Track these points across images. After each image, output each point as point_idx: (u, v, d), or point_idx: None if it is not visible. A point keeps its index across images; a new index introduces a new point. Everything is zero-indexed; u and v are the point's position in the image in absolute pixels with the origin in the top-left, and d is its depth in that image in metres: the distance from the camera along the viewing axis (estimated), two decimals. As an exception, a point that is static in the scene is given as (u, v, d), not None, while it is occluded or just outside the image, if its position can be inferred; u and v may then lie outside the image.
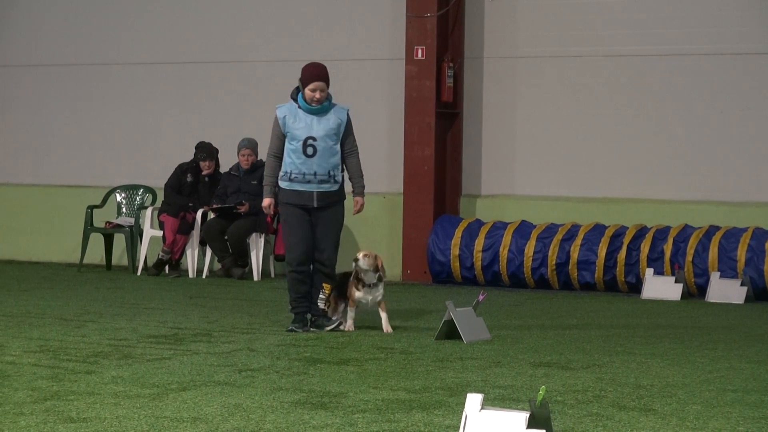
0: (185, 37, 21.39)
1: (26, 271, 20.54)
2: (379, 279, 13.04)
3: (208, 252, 19.60)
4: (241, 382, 10.08)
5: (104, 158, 22.01)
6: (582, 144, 19.23)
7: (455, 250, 18.53)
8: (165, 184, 20.07)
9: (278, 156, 13.18)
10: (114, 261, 20.94)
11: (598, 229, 18.14)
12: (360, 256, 12.94)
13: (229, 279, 19.10)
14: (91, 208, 20.77)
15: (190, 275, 19.61)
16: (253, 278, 19.03)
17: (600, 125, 19.11)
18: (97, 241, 20.87)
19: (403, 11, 19.42)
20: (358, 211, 13.44)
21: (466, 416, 7.25)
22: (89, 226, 20.66)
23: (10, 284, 18.36)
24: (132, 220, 20.58)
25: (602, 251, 17.80)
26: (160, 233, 19.81)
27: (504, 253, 18.33)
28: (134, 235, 20.36)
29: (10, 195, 22.72)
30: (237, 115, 20.86)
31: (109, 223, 20.67)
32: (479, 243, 18.50)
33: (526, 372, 10.76)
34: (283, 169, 13.12)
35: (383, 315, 13.25)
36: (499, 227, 18.72)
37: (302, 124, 12.96)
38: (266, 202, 13.24)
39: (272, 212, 13.78)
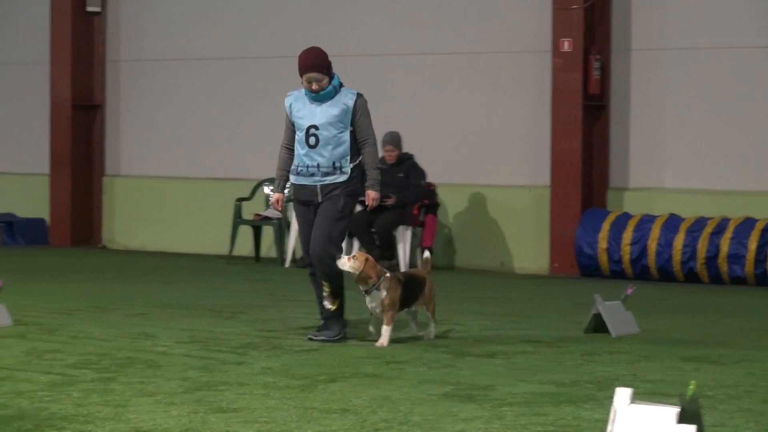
0: (332, 30, 21.44)
1: (176, 263, 20.78)
2: (375, 286, 11.48)
3: (355, 244, 19.65)
4: (390, 374, 10.13)
5: (253, 151, 22.19)
6: (732, 137, 19.00)
7: (603, 244, 18.42)
8: (313, 177, 20.20)
9: (290, 147, 12.22)
10: (263, 253, 21.15)
11: (748, 223, 17.93)
12: (341, 257, 11.58)
13: (376, 271, 19.09)
14: (240, 200, 21.01)
15: None
16: (400, 270, 19.03)
17: (751, 118, 18.85)
18: (246, 233, 21.09)
19: (548, 3, 19.33)
20: (371, 206, 12.15)
21: (615, 410, 7.22)
22: (238, 219, 20.88)
23: (161, 276, 18.61)
24: (280, 213, 20.71)
25: (752, 245, 17.59)
26: (307, 226, 19.92)
27: (652, 246, 18.17)
28: (282, 227, 20.52)
29: (162, 187, 22.99)
30: (383, 108, 20.84)
31: (258, 215, 20.87)
32: (627, 236, 18.36)
33: (675, 366, 10.69)
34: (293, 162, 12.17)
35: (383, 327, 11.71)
36: (647, 220, 18.57)
37: (305, 112, 11.91)
38: (274, 197, 12.59)
39: (278, 208, 12.73)
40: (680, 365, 10.73)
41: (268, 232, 20.96)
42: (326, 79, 11.76)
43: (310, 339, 11.85)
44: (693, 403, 7.08)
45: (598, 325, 12.40)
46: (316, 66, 11.78)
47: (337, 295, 11.94)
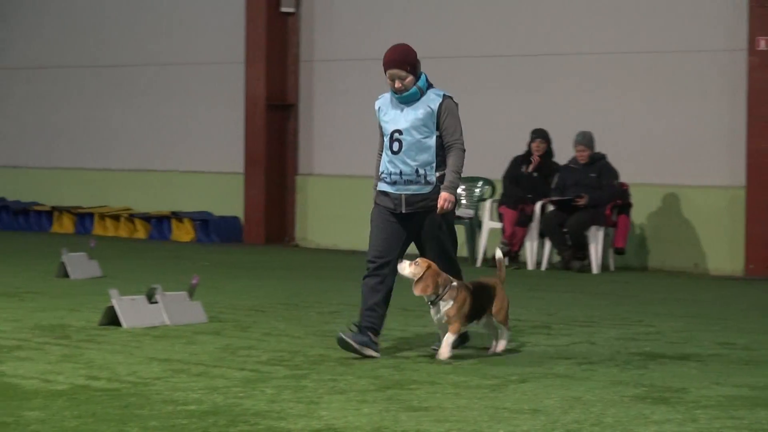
0: (520, 29, 21.46)
1: (358, 261, 20.89)
2: (440, 297, 10.56)
3: (547, 244, 19.62)
4: (581, 375, 10.11)
5: None
6: None
7: (800, 244, 18.10)
8: (503, 176, 20.19)
9: (381, 152, 11.23)
10: None
11: None
12: (402, 261, 10.74)
13: (568, 272, 19.09)
14: None
15: (529, 267, 19.64)
16: (591, 271, 18.97)
17: None
18: None
19: (743, 1, 19.03)
20: (442, 208, 10.74)
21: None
22: (429, 218, 20.88)
23: (352, 274, 18.66)
24: (472, 212, 20.73)
25: None
26: (499, 225, 19.93)
27: None
28: (474, 227, 20.53)
29: (354, 186, 23.06)
30: (570, 107, 20.80)
31: None
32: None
33: None
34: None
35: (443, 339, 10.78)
36: None
37: (391, 116, 11.03)
38: None
39: None
40: None
41: (459, 232, 20.95)
42: (410, 78, 10.89)
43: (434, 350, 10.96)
44: None
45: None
46: (398, 62, 10.94)
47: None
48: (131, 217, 24.67)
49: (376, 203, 11.13)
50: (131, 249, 22.07)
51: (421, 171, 10.79)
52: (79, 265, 16.94)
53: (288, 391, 9.19)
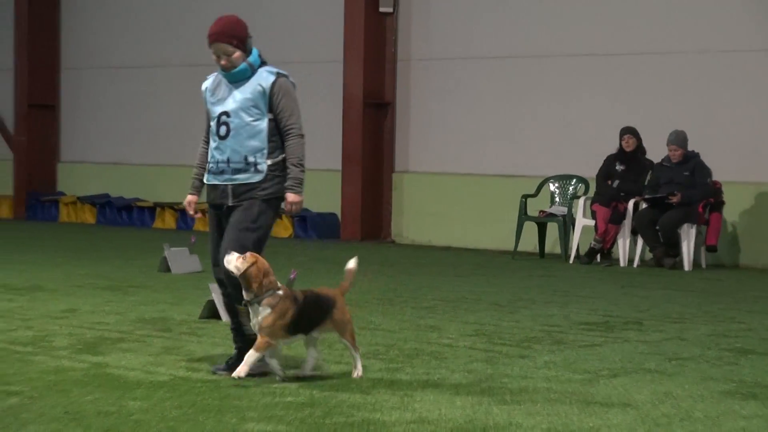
0: (614, 29, 21.42)
1: (462, 258, 20.95)
2: (257, 296, 8.98)
3: (640, 241, 19.56)
4: (672, 370, 10.09)
5: (538, 149, 22.26)
6: None
7: None
8: (596, 174, 20.18)
9: (207, 140, 9.89)
10: (547, 249, 21.14)
11: None
12: (230, 253, 9.06)
13: (660, 269, 19.00)
14: (526, 197, 21.03)
15: (621, 264, 19.62)
16: (683, 268, 18.90)
17: None
18: (530, 229, 21.12)
19: None
20: (290, 212, 9.79)
21: None
22: (523, 215, 20.93)
23: (447, 270, 18.77)
24: (565, 210, 20.72)
25: None
26: (592, 222, 19.89)
27: None
28: (567, 224, 20.52)
29: (448, 183, 23.21)
30: (663, 106, 20.72)
31: (543, 212, 20.90)
32: None
33: None
34: None
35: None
36: None
37: (218, 97, 9.63)
38: (186, 200, 10.02)
39: (191, 212, 10.01)
40: None
41: (552, 229, 20.98)
42: (239, 54, 9.44)
43: (214, 372, 9.51)
44: None
45: None
46: (222, 35, 9.45)
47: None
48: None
49: (207, 201, 9.76)
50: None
51: (251, 158, 9.44)
52: (181, 259, 17.13)
53: (383, 384, 9.23)
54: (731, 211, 19.79)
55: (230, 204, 9.45)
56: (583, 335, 11.99)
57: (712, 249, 19.21)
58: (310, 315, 9.21)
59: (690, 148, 19.24)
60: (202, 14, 26.27)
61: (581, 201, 20.39)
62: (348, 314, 9.50)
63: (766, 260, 19.64)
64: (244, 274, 8.86)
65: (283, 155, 9.61)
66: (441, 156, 23.32)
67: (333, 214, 23.96)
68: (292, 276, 13.12)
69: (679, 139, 19.12)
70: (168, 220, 25.65)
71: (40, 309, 13.21)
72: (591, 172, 20.46)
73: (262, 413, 8.16)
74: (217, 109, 9.55)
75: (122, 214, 26.49)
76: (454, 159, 23.14)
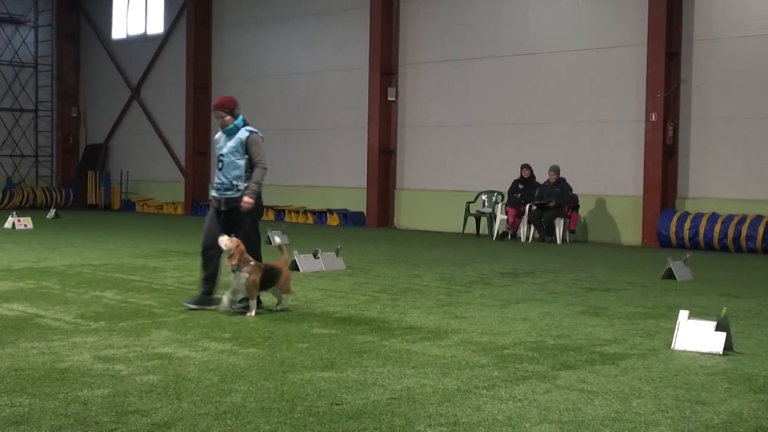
0: (513, 105, 21.29)
1: (434, 237, 20.63)
2: (239, 268, 8.67)
3: (532, 228, 19.43)
4: (550, 299, 10.13)
5: (476, 173, 21.82)
6: None
7: None
8: (508, 190, 20.01)
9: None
10: (480, 232, 20.71)
11: (759, 218, 17.32)
12: (222, 236, 8.86)
13: (543, 243, 18.80)
14: (468, 202, 20.66)
15: (522, 241, 19.36)
16: (557, 243, 18.74)
17: None
18: (471, 221, 20.77)
19: None
20: (244, 208, 9.07)
21: (679, 323, 7.26)
22: (467, 213, 20.60)
23: (425, 243, 18.46)
24: (491, 210, 20.43)
25: (761, 230, 17.00)
26: (505, 217, 19.70)
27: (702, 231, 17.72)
28: (491, 218, 20.17)
29: (427, 195, 23.02)
30: (546, 151, 20.60)
31: (478, 211, 20.57)
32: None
33: (714, 299, 10.47)
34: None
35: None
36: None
37: (221, 144, 9.33)
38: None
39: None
40: (717, 298, 10.52)
41: (483, 221, 20.86)
42: (228, 118, 9.11)
43: (184, 305, 9.14)
44: (724, 319, 7.06)
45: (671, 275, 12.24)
46: (219, 106, 9.15)
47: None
48: (306, 211, 24.89)
49: (212, 206, 9.35)
50: (305, 230, 22.17)
51: (234, 182, 9.04)
52: (278, 237, 17.10)
53: (389, 307, 9.34)
54: (583, 210, 19.84)
55: (223, 208, 9.13)
56: (500, 280, 12.04)
57: (572, 232, 19.28)
58: (269, 276, 8.84)
59: (561, 174, 19.31)
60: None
61: (500, 205, 20.37)
62: (288, 275, 9.11)
63: (603, 238, 19.67)
64: (232, 253, 8.60)
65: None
66: (423, 179, 23.25)
67: (362, 212, 24.00)
68: (339, 246, 13.20)
69: (555, 168, 19.21)
70: (269, 215, 25.55)
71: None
72: (504, 188, 20.43)
73: (323, 321, 8.33)
74: (218, 151, 9.21)
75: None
76: (431, 180, 23.07)
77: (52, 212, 24.48)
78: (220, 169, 9.16)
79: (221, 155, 9.15)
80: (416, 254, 15.73)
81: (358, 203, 23.95)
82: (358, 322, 8.31)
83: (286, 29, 25.83)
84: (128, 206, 30.00)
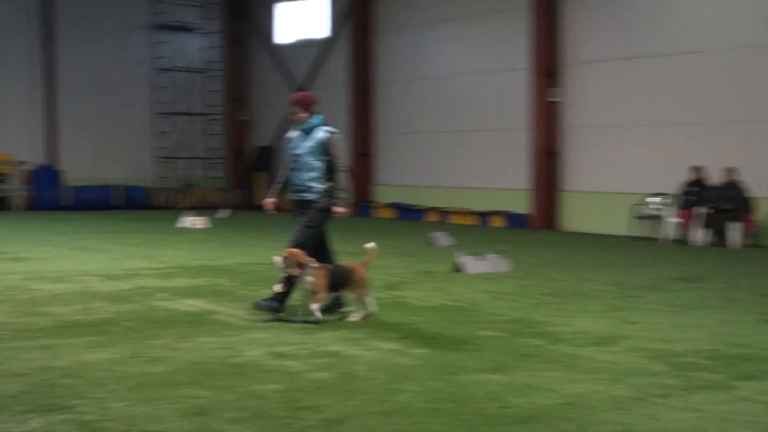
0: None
1: (602, 240, 20.35)
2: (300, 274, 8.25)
3: (701, 231, 18.85)
4: (726, 305, 9.76)
5: (645, 174, 21.48)
6: None
7: None
8: (679, 193, 19.52)
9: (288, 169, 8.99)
10: (645, 234, 20.30)
11: None
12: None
13: (716, 246, 18.23)
14: (637, 205, 20.35)
15: (696, 244, 18.82)
16: (726, 246, 18.20)
17: None
18: (639, 224, 20.50)
19: None
20: (339, 217, 8.81)
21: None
22: (635, 216, 20.35)
23: (595, 246, 18.37)
24: (662, 212, 20.09)
25: None
26: (678, 220, 19.27)
27: None
28: (662, 221, 19.86)
29: (594, 197, 22.71)
30: (716, 158, 19.92)
31: (647, 215, 20.20)
32: None
33: None
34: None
35: None
36: None
37: (296, 143, 8.87)
38: (266, 200, 8.95)
39: (269, 207, 8.94)
40: None
41: (651, 224, 20.29)
42: (304, 115, 8.69)
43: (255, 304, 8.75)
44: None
45: None
46: (295, 102, 8.79)
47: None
48: (468, 213, 24.87)
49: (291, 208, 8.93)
50: (468, 231, 22.22)
51: (309, 184, 8.61)
52: (440, 239, 17.33)
53: (556, 311, 9.24)
54: (761, 213, 18.95)
55: (298, 211, 8.76)
56: (672, 285, 11.62)
57: (750, 236, 18.47)
58: (337, 279, 8.33)
59: (735, 177, 18.59)
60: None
61: (670, 208, 19.73)
62: (365, 280, 8.49)
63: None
64: (285, 265, 8.21)
65: (331, 183, 8.66)
66: (587, 180, 22.81)
67: (524, 214, 23.62)
68: (505, 248, 13.08)
69: (729, 170, 18.57)
70: (432, 216, 25.74)
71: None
72: (671, 189, 19.72)
73: (489, 325, 8.32)
74: (292, 151, 8.77)
75: (405, 213, 26.67)
76: (595, 182, 22.61)
77: (224, 212, 25.45)
78: (294, 170, 8.70)
79: (297, 155, 8.69)
80: (582, 257, 15.48)
81: (519, 205, 23.74)
82: (525, 325, 8.27)
83: (447, 31, 25.94)
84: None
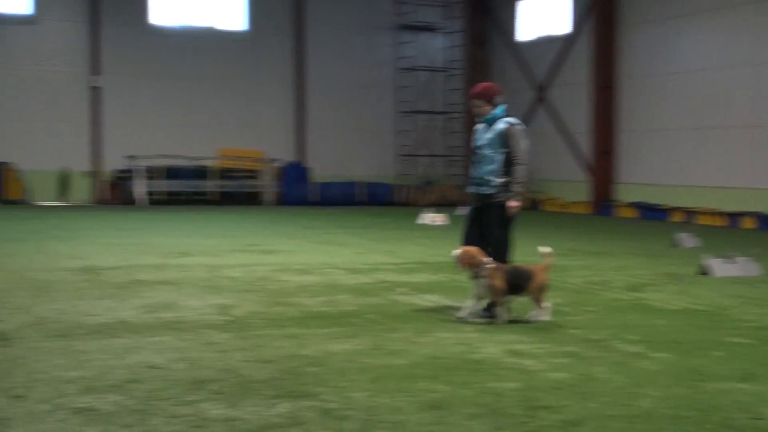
0: None
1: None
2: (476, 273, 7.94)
3: None
4: None
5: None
6: None
7: None
8: None
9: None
10: None
11: None
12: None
13: None
14: None
15: None
16: None
17: None
18: None
19: None
20: (512, 213, 8.39)
21: None
22: None
23: None
24: None
25: None
26: None
27: None
28: None
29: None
30: None
31: None
32: None
33: None
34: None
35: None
36: None
37: (478, 135, 8.62)
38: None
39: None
40: None
41: None
42: (487, 107, 8.42)
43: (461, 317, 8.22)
44: None
45: None
46: (476, 94, 8.49)
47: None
48: (718, 213, 23.78)
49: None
50: (717, 233, 21.17)
51: (488, 177, 8.36)
52: (686, 240, 16.67)
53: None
54: None
55: (477, 206, 8.49)
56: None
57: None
58: (515, 281, 7.95)
59: None
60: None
61: None
62: (544, 283, 8.04)
63: None
64: (459, 261, 7.91)
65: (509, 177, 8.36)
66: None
67: None
68: (755, 251, 12.36)
69: None
70: (677, 216, 24.80)
71: (606, 265, 13.22)
72: None
73: (740, 332, 7.87)
74: (475, 143, 8.57)
75: (647, 212, 25.84)
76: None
77: (463, 209, 25.70)
78: (475, 163, 8.51)
79: (478, 147, 8.49)
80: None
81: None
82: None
83: (695, 25, 24.94)
84: (532, 205, 30.65)
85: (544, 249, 8.23)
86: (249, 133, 31.91)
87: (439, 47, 34.27)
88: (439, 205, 28.54)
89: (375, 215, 24.99)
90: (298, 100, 32.48)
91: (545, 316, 8.11)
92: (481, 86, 8.56)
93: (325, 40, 32.52)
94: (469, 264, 7.89)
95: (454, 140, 34.24)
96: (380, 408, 5.20)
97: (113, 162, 30.42)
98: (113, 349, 6.66)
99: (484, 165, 8.41)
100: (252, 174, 31.50)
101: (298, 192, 31.07)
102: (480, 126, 8.59)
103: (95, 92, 30.38)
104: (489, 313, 8.10)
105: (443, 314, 8.50)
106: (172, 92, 31.11)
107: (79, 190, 30.55)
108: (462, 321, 8.01)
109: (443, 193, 32.38)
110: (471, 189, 8.58)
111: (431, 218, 21.85)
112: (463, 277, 11.35)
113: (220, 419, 4.92)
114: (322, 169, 32.36)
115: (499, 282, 7.85)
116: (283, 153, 32.24)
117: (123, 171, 30.42)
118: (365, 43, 33.25)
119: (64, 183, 30.56)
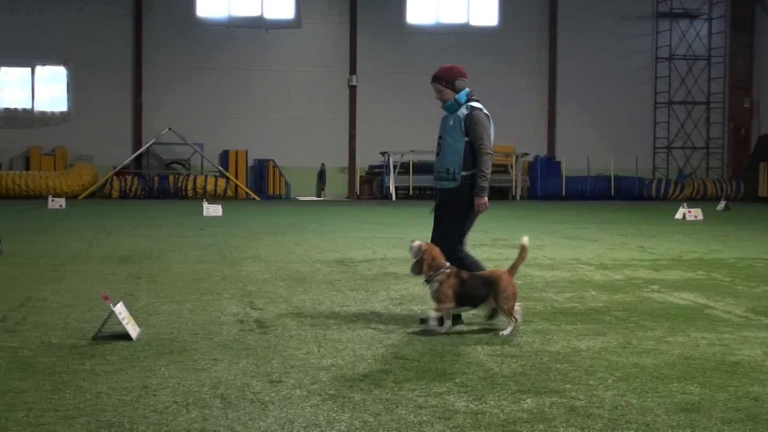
0: None
1: None
2: (428, 278, 7.02)
3: None
4: None
5: None
6: None
7: None
8: None
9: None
10: None
11: None
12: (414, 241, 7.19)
13: None
14: None
15: None
16: None
17: None
18: None
19: None
20: (478, 212, 7.42)
21: None
22: None
23: None
24: None
25: None
26: None
27: None
28: None
29: None
30: None
31: None
32: None
33: None
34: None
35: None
36: None
37: (442, 123, 7.58)
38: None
39: None
40: None
41: None
42: (447, 92, 7.39)
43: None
44: None
45: None
46: (435, 77, 7.44)
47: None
48: None
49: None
50: None
51: (451, 170, 7.32)
52: None
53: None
54: None
55: (438, 202, 7.58)
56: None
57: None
58: (473, 289, 6.98)
59: None
60: None
61: None
62: (510, 291, 7.04)
63: None
64: (417, 257, 7.06)
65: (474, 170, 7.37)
66: None
67: None
68: None
69: None
70: None
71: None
72: None
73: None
74: (439, 133, 7.61)
75: None
76: None
77: (722, 204, 24.70)
78: (437, 154, 7.54)
79: (440, 137, 7.52)
80: None
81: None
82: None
83: None
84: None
85: (524, 239, 7.21)
86: (499, 128, 32.02)
87: (700, 34, 32.86)
88: (696, 200, 27.40)
89: (627, 210, 24.40)
90: (549, 93, 32.24)
91: (510, 329, 7.05)
92: (441, 68, 7.59)
93: (576, 32, 32.09)
94: (429, 265, 7.02)
95: (714, 131, 32.77)
96: (628, 408, 5.07)
97: (366, 158, 31.54)
98: (364, 339, 6.91)
99: (447, 156, 7.43)
100: (503, 169, 31.57)
101: (550, 186, 30.82)
102: (445, 114, 7.63)
103: (352, 91, 31.62)
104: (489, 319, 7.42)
105: (699, 313, 8.16)
106: (422, 89, 31.80)
107: (334, 186, 31.93)
108: (424, 325, 7.22)
109: (699, 186, 31.06)
110: (434, 184, 7.70)
111: (687, 213, 21.06)
112: (722, 275, 10.84)
113: (466, 411, 4.98)
114: (573, 162, 31.95)
115: (447, 289, 6.96)
116: (533, 148, 32.13)
117: (375, 167, 31.44)
118: (619, 33, 32.50)
119: (321, 179, 32.02)
